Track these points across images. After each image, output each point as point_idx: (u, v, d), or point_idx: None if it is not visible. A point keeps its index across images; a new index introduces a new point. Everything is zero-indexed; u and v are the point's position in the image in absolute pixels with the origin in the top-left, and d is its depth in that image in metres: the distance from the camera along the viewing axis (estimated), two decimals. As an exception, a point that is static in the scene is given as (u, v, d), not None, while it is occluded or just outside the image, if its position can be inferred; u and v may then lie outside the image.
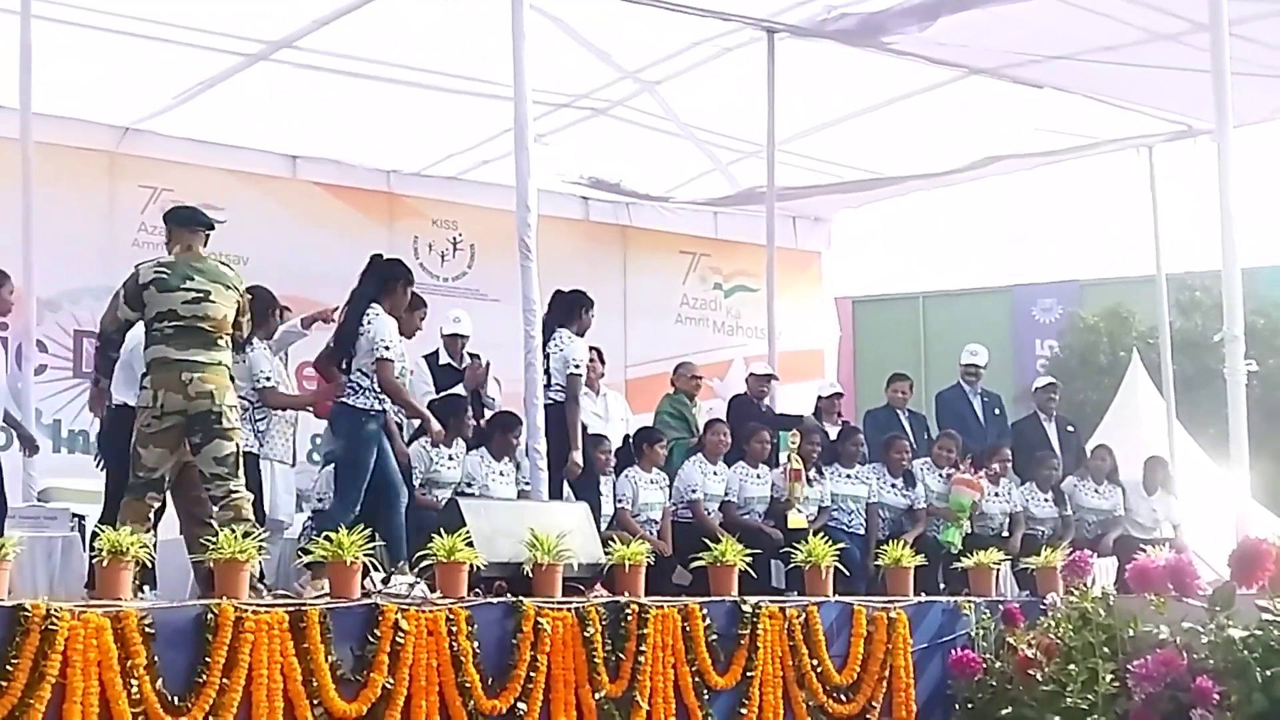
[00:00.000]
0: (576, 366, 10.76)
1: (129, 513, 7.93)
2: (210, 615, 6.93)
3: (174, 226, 8.47)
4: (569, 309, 11.16)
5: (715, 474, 11.65)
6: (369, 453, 9.22)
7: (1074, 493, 12.83)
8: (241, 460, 8.22)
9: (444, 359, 11.75)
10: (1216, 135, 10.55)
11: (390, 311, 9.39)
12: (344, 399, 9.26)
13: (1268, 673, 8.14)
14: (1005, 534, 12.46)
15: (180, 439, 8.09)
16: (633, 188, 16.56)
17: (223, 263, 8.46)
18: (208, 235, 8.49)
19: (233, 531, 7.51)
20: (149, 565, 7.84)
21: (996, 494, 12.54)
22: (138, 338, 8.41)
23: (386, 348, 9.22)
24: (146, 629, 6.68)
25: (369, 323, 9.24)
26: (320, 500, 10.21)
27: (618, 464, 11.47)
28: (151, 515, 8.13)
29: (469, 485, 10.46)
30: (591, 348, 12.03)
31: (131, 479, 8.10)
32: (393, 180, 15.70)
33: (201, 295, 8.13)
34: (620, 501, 11.19)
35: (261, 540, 7.76)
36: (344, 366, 9.31)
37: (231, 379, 8.28)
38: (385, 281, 9.54)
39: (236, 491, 8.08)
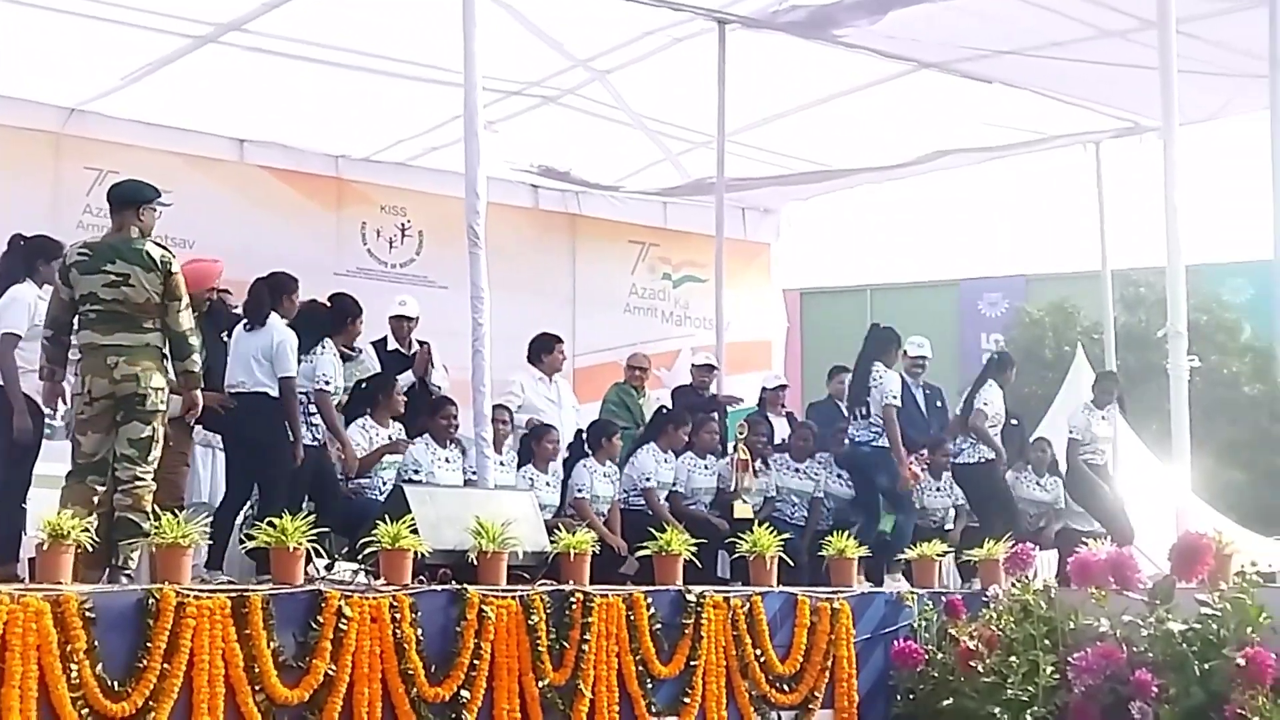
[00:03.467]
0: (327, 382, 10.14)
1: (71, 496, 7.82)
2: (152, 600, 6.89)
3: (112, 205, 8.25)
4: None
5: (666, 463, 11.65)
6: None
7: (1015, 485, 12.88)
8: (157, 446, 8.00)
9: (391, 344, 11.70)
10: (1163, 132, 10.65)
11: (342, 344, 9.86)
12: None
13: (1206, 666, 8.26)
14: (948, 526, 12.52)
15: (113, 421, 7.97)
16: (582, 176, 16.53)
17: (156, 243, 8.18)
18: (152, 209, 8.24)
19: (129, 521, 7.42)
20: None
21: (938, 488, 12.60)
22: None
23: (327, 382, 9.82)
24: (87, 613, 6.63)
25: (318, 354, 9.83)
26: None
27: (570, 455, 11.47)
28: (95, 499, 8.03)
29: (415, 473, 10.42)
30: (554, 336, 12.18)
31: (72, 463, 8.02)
32: (341, 165, 15.59)
33: (121, 278, 7.92)
34: (579, 491, 11.16)
35: (203, 525, 7.73)
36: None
37: (164, 357, 8.07)
38: (343, 319, 10.11)
39: (141, 479, 7.90)
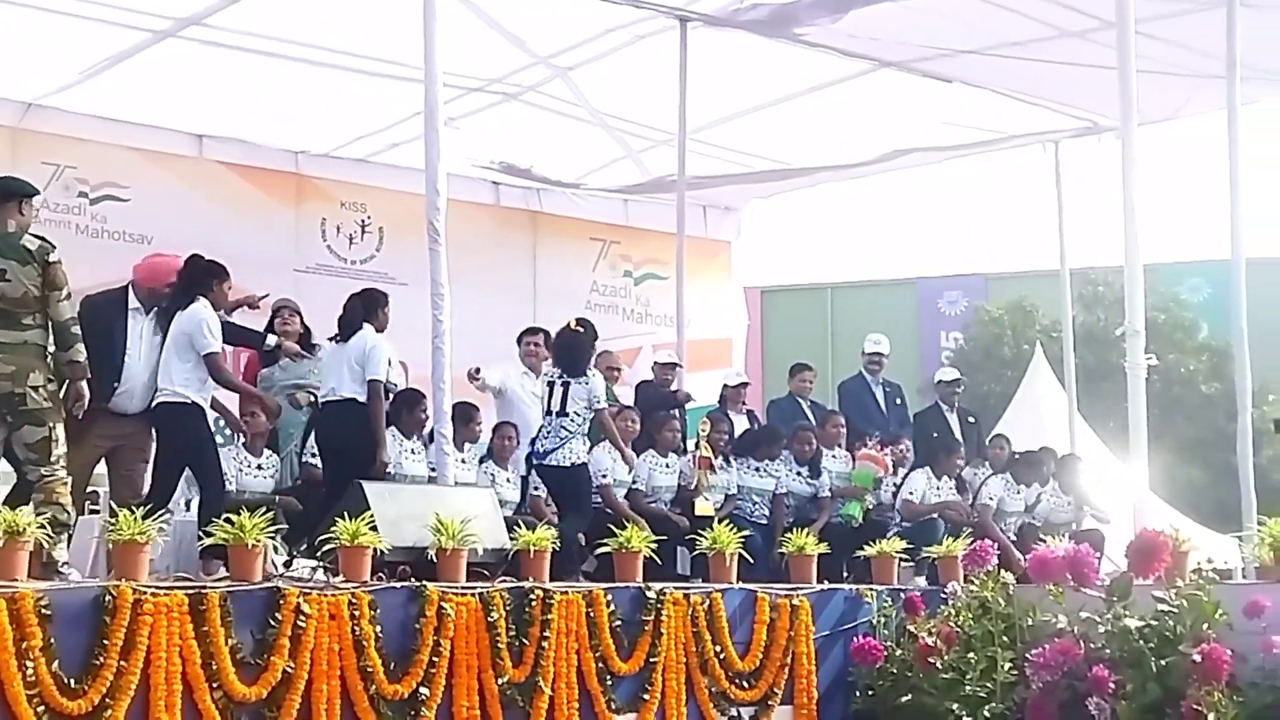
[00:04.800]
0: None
1: None
2: (108, 597, 6.84)
3: None
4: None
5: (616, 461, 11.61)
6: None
7: (974, 481, 12.92)
8: (57, 444, 7.95)
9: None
10: (1121, 132, 10.70)
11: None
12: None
13: (1162, 662, 8.30)
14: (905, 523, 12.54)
15: (3, 421, 7.89)
16: (544, 173, 16.54)
17: (34, 235, 8.10)
18: (31, 204, 8.21)
19: (43, 528, 7.28)
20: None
21: (894, 483, 12.63)
22: None
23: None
24: (43, 610, 6.58)
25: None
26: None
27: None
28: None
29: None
30: (538, 329, 12.19)
31: None
32: (301, 161, 15.54)
33: None
34: (536, 490, 11.16)
35: (159, 522, 7.69)
36: None
37: (46, 355, 8.00)
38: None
39: (49, 476, 7.88)
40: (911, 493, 12.42)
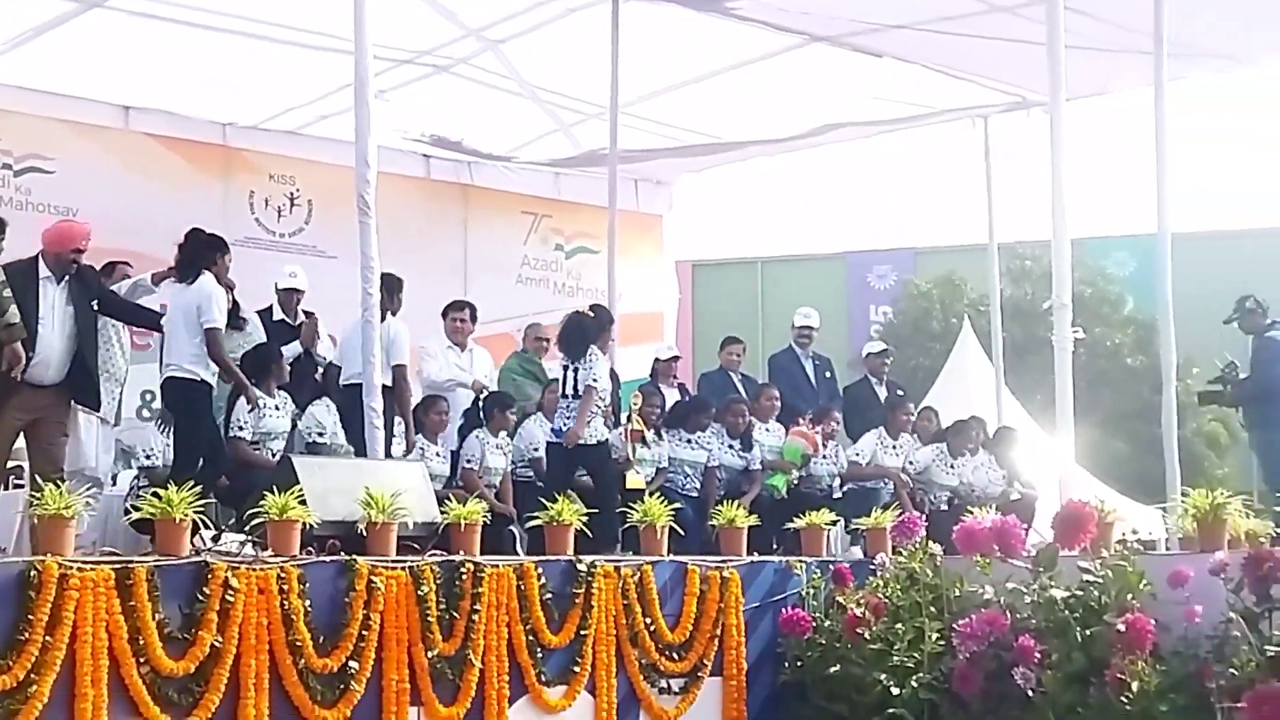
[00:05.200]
0: None
1: None
2: (34, 572, 6.79)
3: None
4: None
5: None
6: None
7: (906, 450, 12.98)
8: None
9: (278, 315, 11.61)
10: (1050, 107, 10.79)
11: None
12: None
13: (1088, 632, 8.40)
14: (835, 495, 12.61)
15: None
16: (475, 146, 16.47)
17: None
18: None
19: None
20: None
21: (824, 456, 12.69)
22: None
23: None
24: (-34, 586, 6.54)
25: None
26: (148, 457, 10.03)
27: (464, 424, 11.44)
28: None
29: (319, 436, 10.52)
30: (465, 304, 12.31)
31: None
32: (229, 133, 15.38)
33: None
34: (468, 462, 11.17)
35: (86, 495, 7.64)
36: None
37: None
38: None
39: None
40: (859, 454, 12.53)
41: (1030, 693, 8.39)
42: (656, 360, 13.36)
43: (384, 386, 9.89)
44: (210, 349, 9.49)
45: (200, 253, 9.68)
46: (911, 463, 12.79)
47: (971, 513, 9.73)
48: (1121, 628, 8.20)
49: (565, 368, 11.09)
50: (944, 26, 12.86)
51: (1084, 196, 16.13)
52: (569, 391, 11.02)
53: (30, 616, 6.72)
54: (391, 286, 10.48)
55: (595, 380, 10.97)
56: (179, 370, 9.46)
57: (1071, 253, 10.70)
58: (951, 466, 12.82)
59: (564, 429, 10.96)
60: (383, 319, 9.99)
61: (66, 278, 9.41)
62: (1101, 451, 19.40)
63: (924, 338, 26.01)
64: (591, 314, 11.42)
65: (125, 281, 10.44)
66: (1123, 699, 8.04)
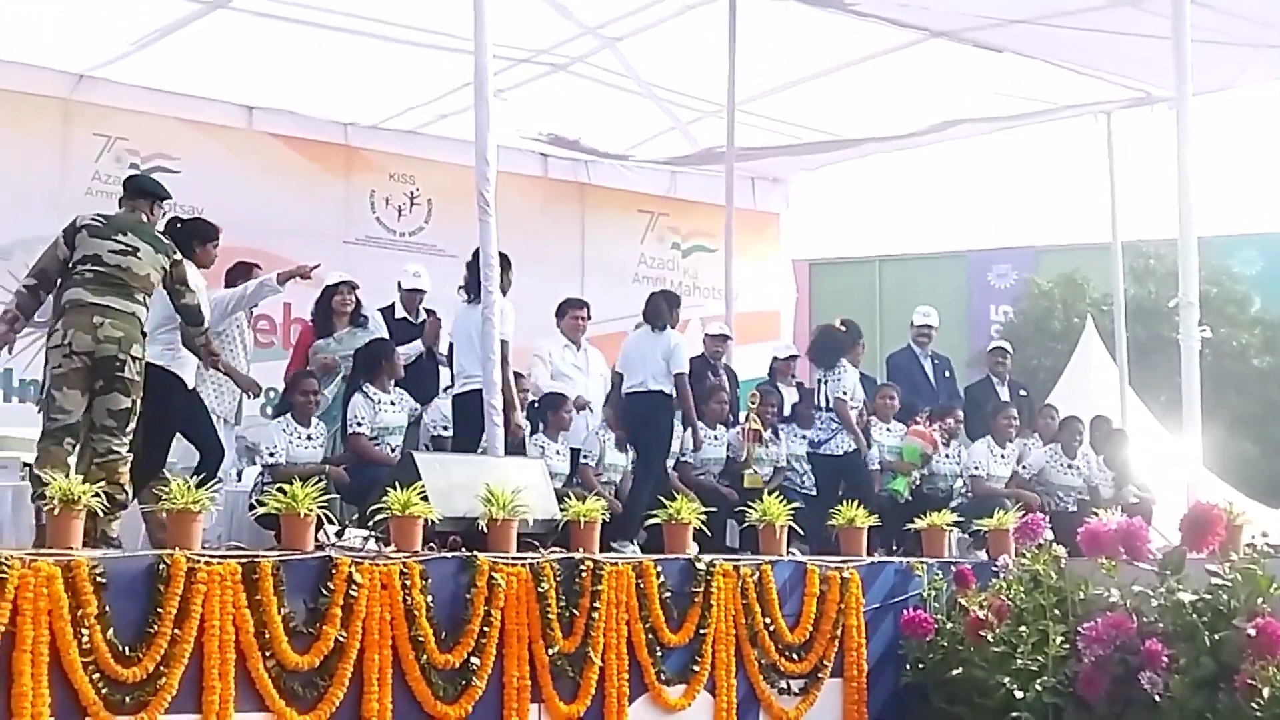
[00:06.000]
0: None
1: (47, 459, 7.81)
2: (163, 566, 6.89)
3: (127, 192, 8.61)
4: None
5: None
6: None
7: (1024, 452, 12.84)
8: (134, 419, 8.05)
9: (400, 313, 11.72)
10: (1175, 102, 10.60)
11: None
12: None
13: (1216, 636, 8.23)
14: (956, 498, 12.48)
15: (89, 382, 7.97)
16: (592, 145, 16.50)
17: (163, 233, 8.56)
18: (158, 206, 8.63)
19: (98, 496, 7.27)
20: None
21: (947, 455, 12.57)
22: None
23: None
24: (98, 578, 6.64)
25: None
26: (271, 455, 10.14)
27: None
28: (71, 461, 8.00)
29: (445, 429, 10.73)
30: (580, 301, 12.37)
31: (46, 423, 7.99)
32: (350, 133, 15.55)
33: (130, 249, 8.15)
34: (585, 459, 11.22)
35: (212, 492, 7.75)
36: None
37: (143, 334, 8.18)
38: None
39: (116, 452, 7.95)
40: (978, 467, 12.40)
41: (1157, 698, 8.24)
42: (774, 359, 13.30)
43: (662, 391, 11.15)
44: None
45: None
46: (1024, 467, 12.64)
47: (1096, 514, 9.59)
48: (1252, 632, 8.02)
49: (818, 380, 11.88)
50: (1066, 21, 12.68)
51: (1209, 193, 15.84)
52: (820, 403, 12.02)
53: (159, 609, 6.82)
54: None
55: (845, 393, 11.93)
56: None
57: (1197, 251, 10.51)
58: (1070, 466, 12.65)
59: (819, 440, 11.98)
60: (663, 329, 11.21)
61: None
62: (1228, 453, 18.99)
63: (1045, 337, 25.66)
64: (843, 328, 12.37)
65: (252, 282, 10.55)
66: (1253, 705, 7.85)
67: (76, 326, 7.95)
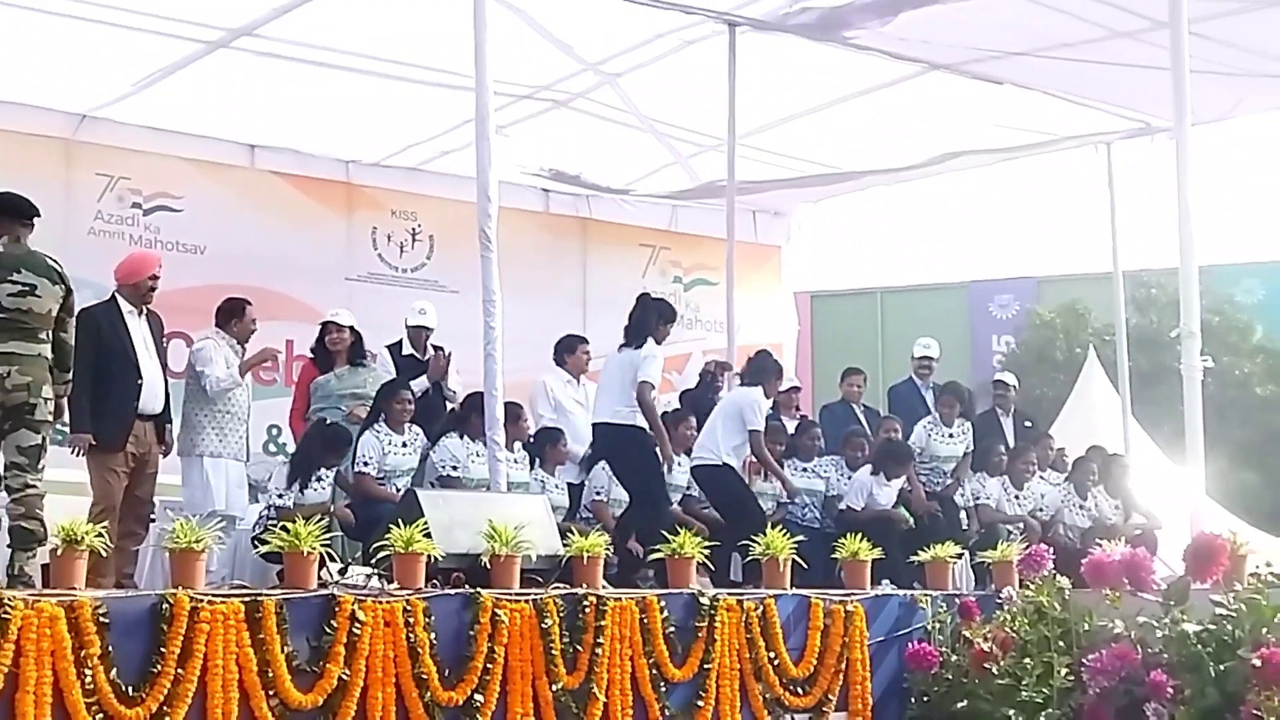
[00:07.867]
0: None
1: None
2: (165, 605, 6.90)
3: (2, 215, 8.14)
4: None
5: (679, 466, 11.60)
6: None
7: (1038, 502, 12.80)
8: (45, 454, 7.87)
9: (407, 349, 11.74)
10: (1175, 133, 10.63)
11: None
12: None
13: (1221, 667, 8.21)
14: (962, 528, 12.47)
15: (1, 429, 7.80)
16: (593, 180, 16.53)
17: (49, 257, 8.10)
18: (32, 225, 8.21)
19: (24, 530, 7.25)
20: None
21: (950, 435, 12.55)
22: None
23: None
24: (101, 619, 6.65)
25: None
26: (280, 497, 10.14)
27: (592, 456, 11.47)
28: None
29: (454, 470, 10.56)
30: (578, 336, 12.34)
31: None
32: (352, 170, 15.58)
33: (28, 288, 7.85)
34: (598, 494, 11.22)
35: (216, 531, 7.74)
36: None
37: (51, 370, 7.96)
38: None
39: (33, 486, 7.74)
40: (988, 497, 12.39)
41: (1163, 729, 8.23)
42: (777, 392, 13.28)
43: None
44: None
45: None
46: (1041, 509, 12.64)
47: (1100, 545, 9.57)
48: (1257, 662, 8.00)
49: None
50: (1065, 53, 12.72)
51: (1210, 223, 15.88)
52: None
53: (162, 649, 6.84)
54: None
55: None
56: None
57: (1199, 280, 10.52)
58: (1081, 506, 12.66)
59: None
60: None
61: (145, 309, 9.51)
62: (1231, 483, 18.94)
63: (1048, 367, 25.61)
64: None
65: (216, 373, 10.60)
66: (1259, 735, 7.85)
67: None
